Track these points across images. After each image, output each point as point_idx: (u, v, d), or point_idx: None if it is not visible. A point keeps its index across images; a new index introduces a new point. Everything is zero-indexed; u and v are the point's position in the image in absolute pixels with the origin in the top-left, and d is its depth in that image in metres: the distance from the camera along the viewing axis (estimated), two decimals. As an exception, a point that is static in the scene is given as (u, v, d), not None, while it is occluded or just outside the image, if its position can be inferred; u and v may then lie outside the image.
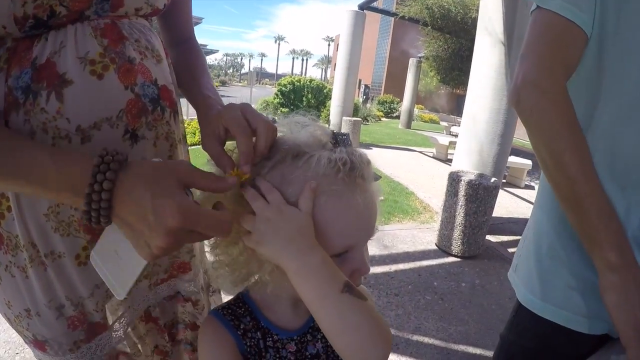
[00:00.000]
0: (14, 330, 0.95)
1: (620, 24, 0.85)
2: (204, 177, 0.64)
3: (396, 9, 14.43)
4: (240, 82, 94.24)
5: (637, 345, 0.79)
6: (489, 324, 2.95)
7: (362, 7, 10.25)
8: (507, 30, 4.02)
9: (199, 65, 1.09)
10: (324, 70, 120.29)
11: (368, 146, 10.62)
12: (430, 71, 17.78)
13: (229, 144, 0.74)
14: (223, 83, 68.33)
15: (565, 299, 0.96)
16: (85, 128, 0.80)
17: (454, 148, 5.18)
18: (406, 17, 13.35)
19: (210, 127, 0.71)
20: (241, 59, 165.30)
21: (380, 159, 8.59)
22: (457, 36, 13.66)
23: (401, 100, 20.62)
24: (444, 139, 10.52)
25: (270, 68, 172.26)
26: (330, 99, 12.57)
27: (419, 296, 3.25)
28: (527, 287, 1.05)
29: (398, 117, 21.00)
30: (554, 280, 0.99)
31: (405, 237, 4.49)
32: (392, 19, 18.88)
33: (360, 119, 10.39)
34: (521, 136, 17.91)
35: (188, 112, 3.31)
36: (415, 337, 2.71)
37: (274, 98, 16.15)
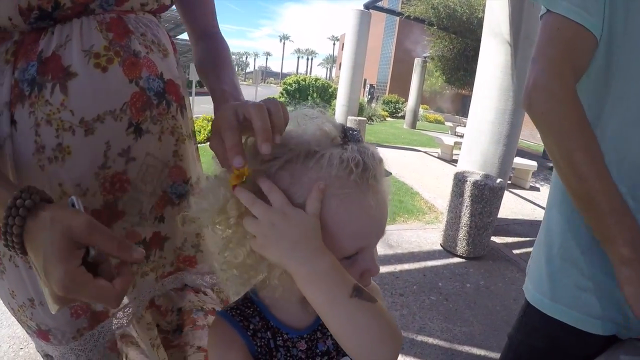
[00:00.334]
0: (17, 326, 0.95)
1: (627, 24, 0.86)
2: (105, 239, 0.60)
3: (402, 8, 14.36)
4: (245, 81, 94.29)
5: None
6: (494, 325, 2.95)
7: (367, 6, 10.23)
8: (513, 31, 4.00)
9: (221, 59, 1.06)
10: (329, 69, 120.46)
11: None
12: (436, 71, 17.74)
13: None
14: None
15: (575, 299, 0.97)
16: (89, 120, 0.81)
17: (459, 148, 5.17)
18: (411, 17, 13.33)
19: (214, 125, 0.71)
20: (246, 57, 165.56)
21: (385, 159, 8.56)
22: (463, 36, 13.61)
23: (406, 100, 20.61)
24: (449, 140, 10.50)
25: (275, 67, 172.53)
26: (335, 98, 12.58)
27: (424, 296, 3.25)
28: (537, 287, 1.06)
29: (403, 117, 20.97)
30: (563, 280, 0.99)
31: (410, 237, 4.49)
32: (398, 18, 18.86)
33: (365, 119, 10.39)
34: (526, 137, 17.86)
35: (192, 109, 3.31)
36: (420, 338, 2.71)
37: (279, 97, 16.17)
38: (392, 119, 21.96)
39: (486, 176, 4.02)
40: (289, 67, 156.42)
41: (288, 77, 17.89)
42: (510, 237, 4.96)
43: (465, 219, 3.97)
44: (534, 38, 4.05)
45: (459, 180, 4.03)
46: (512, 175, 7.85)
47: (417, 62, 17.87)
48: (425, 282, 3.50)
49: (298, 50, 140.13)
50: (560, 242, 1.00)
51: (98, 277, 0.59)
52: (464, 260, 4.05)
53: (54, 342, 0.94)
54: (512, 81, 4.09)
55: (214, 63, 1.04)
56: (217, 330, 0.73)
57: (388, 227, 4.72)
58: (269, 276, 0.65)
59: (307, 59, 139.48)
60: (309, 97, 15.44)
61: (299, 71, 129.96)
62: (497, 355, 2.57)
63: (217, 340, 0.72)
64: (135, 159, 0.89)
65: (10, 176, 0.80)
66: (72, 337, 0.94)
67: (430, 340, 2.70)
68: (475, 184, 3.88)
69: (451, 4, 12.90)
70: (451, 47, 14.66)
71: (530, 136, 18.28)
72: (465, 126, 4.91)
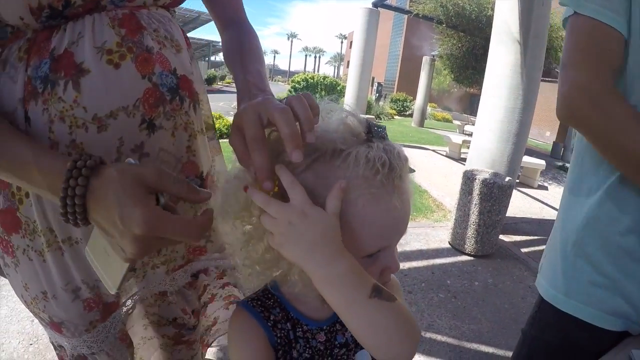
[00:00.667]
0: (27, 322, 0.96)
1: None
2: (175, 184, 0.62)
3: (410, 6, 14.30)
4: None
5: None
6: (502, 323, 2.95)
7: (375, 4, 10.21)
8: (522, 29, 3.99)
9: (247, 48, 1.05)
10: (336, 67, 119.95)
11: (381, 144, 10.49)
12: (444, 69, 17.66)
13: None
14: (236, 80, 68.17)
15: (589, 296, 0.97)
16: (102, 117, 0.80)
17: (468, 147, 5.15)
18: (420, 15, 13.27)
19: (234, 123, 0.69)
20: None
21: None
22: (472, 34, 13.53)
23: (414, 98, 20.52)
24: (457, 138, 10.46)
25: (283, 65, 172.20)
26: (343, 96, 12.55)
27: (432, 294, 3.26)
28: (551, 283, 1.06)
29: (411, 115, 20.86)
30: (577, 276, 0.99)
31: (419, 235, 4.49)
32: (406, 16, 18.77)
33: (373, 117, 10.36)
34: (535, 136, 17.75)
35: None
36: (428, 335, 2.71)
37: (288, 94, 16.15)
38: (400, 117, 21.87)
39: (495, 174, 4.01)
40: (297, 65, 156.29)
41: (296, 75, 17.87)
42: (519, 235, 4.95)
43: (473, 217, 3.97)
44: (543, 37, 4.05)
45: (468, 178, 4.03)
46: (520, 174, 7.82)
47: (426, 60, 17.78)
48: (433, 279, 3.51)
49: (306, 49, 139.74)
50: (575, 240, 1.01)
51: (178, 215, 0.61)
52: (472, 258, 4.05)
53: (66, 334, 0.95)
54: (522, 80, 4.07)
55: (239, 51, 1.03)
56: (238, 321, 0.73)
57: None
58: (289, 272, 0.65)
59: (315, 57, 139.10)
60: (317, 95, 15.38)
61: (307, 69, 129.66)
62: (506, 352, 2.59)
63: (238, 331, 0.73)
64: (149, 154, 0.89)
65: None
66: (84, 330, 0.95)
67: (439, 337, 2.71)
68: (484, 182, 3.88)
69: (460, 2, 12.83)
70: (460, 45, 14.59)
71: (539, 135, 18.17)
72: (473, 125, 4.90)
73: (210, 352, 2.32)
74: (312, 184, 0.60)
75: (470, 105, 30.01)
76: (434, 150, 10.80)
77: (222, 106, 14.70)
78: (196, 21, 27.50)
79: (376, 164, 0.58)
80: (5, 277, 0.96)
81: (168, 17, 0.97)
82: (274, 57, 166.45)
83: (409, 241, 4.25)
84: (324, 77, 17.64)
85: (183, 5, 1.06)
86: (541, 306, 1.09)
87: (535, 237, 4.93)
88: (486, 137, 4.38)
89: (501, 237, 4.44)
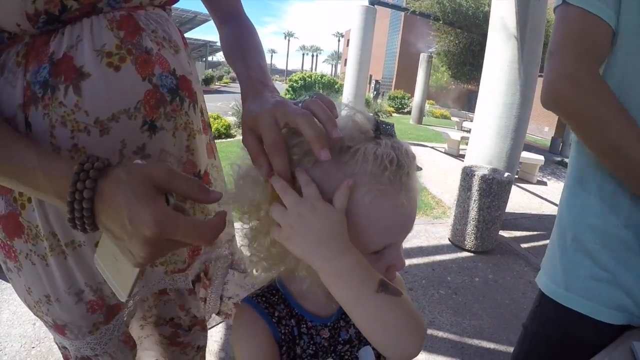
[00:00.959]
0: (29, 325, 0.96)
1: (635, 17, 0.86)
2: (185, 183, 0.61)
3: (407, 3, 14.30)
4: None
5: None
6: (503, 319, 2.96)
7: (372, 2, 10.19)
8: (519, 25, 3.99)
9: (247, 42, 1.05)
10: (334, 66, 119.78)
11: (379, 142, 10.51)
12: (442, 66, 17.65)
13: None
14: (234, 80, 68.29)
15: (589, 290, 0.97)
16: (104, 120, 0.80)
17: (466, 143, 5.15)
18: (417, 12, 13.26)
19: (246, 123, 0.69)
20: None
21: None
22: (469, 31, 13.52)
23: (412, 95, 20.53)
24: (455, 135, 10.46)
25: (280, 64, 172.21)
26: (341, 94, 12.55)
27: (433, 290, 3.26)
28: (551, 278, 1.06)
29: (409, 112, 20.87)
30: (577, 271, 1.00)
31: (419, 231, 4.50)
32: (403, 13, 18.76)
33: (371, 115, 10.30)
34: (533, 132, 17.76)
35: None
36: (430, 331, 2.72)
37: (285, 94, 16.15)
38: (398, 115, 21.87)
39: (494, 170, 4.01)
40: (294, 64, 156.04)
41: (294, 74, 17.87)
42: (518, 231, 4.96)
43: (473, 213, 3.98)
44: (541, 32, 4.05)
45: (467, 174, 4.03)
46: (519, 169, 7.82)
47: (423, 57, 17.77)
48: (434, 276, 3.51)
49: (303, 47, 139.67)
50: (574, 234, 1.01)
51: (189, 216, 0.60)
52: (472, 254, 4.06)
53: (70, 336, 0.95)
54: (519, 75, 4.07)
55: (239, 46, 1.03)
56: (243, 317, 0.74)
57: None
58: (296, 267, 0.65)
59: (312, 56, 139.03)
60: (315, 94, 15.38)
61: (304, 68, 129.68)
62: (507, 347, 2.59)
63: (243, 326, 0.73)
64: (150, 155, 0.89)
65: None
66: (88, 332, 0.95)
67: (440, 334, 2.71)
68: (483, 178, 3.89)
69: (456, -2, 12.83)
70: (457, 41, 14.57)
71: (537, 130, 18.19)
72: (471, 121, 4.90)
73: (212, 352, 2.32)
74: (320, 180, 0.61)
75: (468, 102, 30.01)
76: (432, 147, 10.81)
77: (220, 106, 14.69)
78: (193, 21, 27.48)
79: (384, 160, 0.58)
80: (7, 281, 0.97)
81: (165, 17, 0.96)
82: (271, 56, 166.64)
83: (409, 238, 4.18)
84: (322, 76, 17.65)
85: (180, 5, 1.07)
86: (542, 301, 1.10)
87: (535, 233, 4.94)
88: (484, 134, 4.38)
89: (501, 232, 4.45)
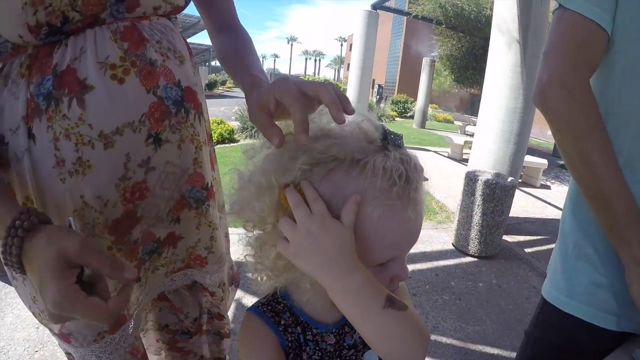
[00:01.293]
0: (32, 329, 0.97)
1: (633, 22, 0.86)
2: (97, 259, 0.62)
3: (409, 8, 14.31)
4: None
5: None
6: (507, 324, 2.94)
7: (375, 6, 10.21)
8: (522, 29, 3.99)
9: (245, 48, 1.06)
10: (337, 70, 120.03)
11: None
12: (444, 70, 17.67)
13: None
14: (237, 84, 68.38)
15: (590, 296, 0.97)
16: (108, 134, 0.80)
17: (469, 148, 5.15)
18: (419, 16, 13.28)
19: (260, 100, 0.70)
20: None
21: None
22: (471, 35, 13.54)
23: (415, 99, 20.52)
24: (459, 139, 10.45)
25: (283, 69, 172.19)
26: (344, 99, 12.53)
27: (437, 296, 3.25)
28: (553, 284, 1.06)
29: (412, 117, 20.86)
30: (579, 277, 1.00)
31: (422, 237, 4.45)
32: (405, 18, 18.79)
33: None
34: (536, 135, 17.73)
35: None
36: (433, 337, 2.71)
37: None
38: (401, 119, 21.86)
39: (497, 175, 4.01)
40: (297, 69, 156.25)
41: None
42: (522, 235, 4.94)
43: (476, 218, 3.97)
44: (543, 36, 4.05)
45: (470, 179, 4.03)
46: (522, 173, 7.80)
47: (426, 61, 17.79)
48: (437, 281, 3.50)
49: (306, 52, 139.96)
50: (575, 241, 1.01)
51: (92, 296, 0.61)
52: (476, 259, 4.04)
53: (75, 344, 0.95)
54: (522, 79, 4.07)
55: (240, 53, 1.04)
56: (249, 326, 0.74)
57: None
58: (301, 279, 0.66)
59: (315, 60, 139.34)
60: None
61: (307, 72, 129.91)
62: (511, 353, 2.58)
63: (250, 336, 0.73)
64: (154, 168, 0.89)
65: (30, 190, 0.81)
66: (92, 340, 0.95)
67: (444, 339, 2.70)
68: (487, 182, 3.88)
69: (459, 2, 12.84)
70: (459, 45, 14.60)
71: (540, 134, 18.16)
72: (474, 125, 4.90)
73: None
74: (329, 194, 0.61)
75: (471, 106, 30.03)
76: (435, 152, 10.80)
77: (224, 111, 14.72)
78: (196, 26, 27.59)
79: (393, 175, 0.58)
80: (11, 284, 0.97)
81: (170, 27, 0.96)
82: (274, 61, 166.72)
83: (413, 243, 4.22)
84: (325, 81, 17.66)
85: (183, 11, 1.07)
86: (544, 307, 1.10)
87: (539, 237, 4.92)
88: (488, 138, 4.38)
89: (504, 237, 4.43)
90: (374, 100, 23.21)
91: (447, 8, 12.89)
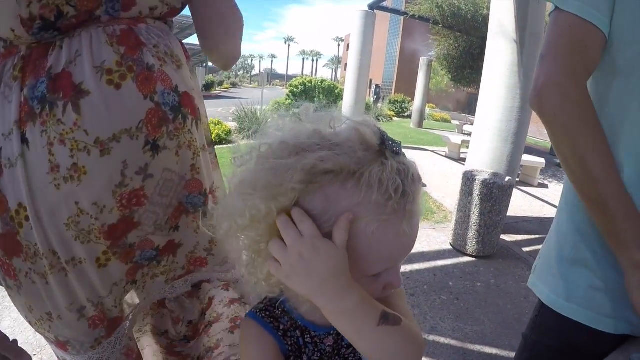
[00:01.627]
0: (31, 332, 0.98)
1: (634, 23, 0.86)
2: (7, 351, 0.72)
3: (406, 8, 14.31)
4: (251, 84, 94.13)
5: None
6: (505, 324, 2.94)
7: (371, 6, 10.19)
8: (519, 28, 3.99)
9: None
10: (334, 70, 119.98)
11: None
12: (442, 70, 17.65)
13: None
14: (234, 85, 68.39)
15: (589, 300, 0.97)
16: (104, 140, 0.79)
17: (467, 147, 5.14)
18: (416, 16, 13.26)
19: None
20: (251, 60, 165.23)
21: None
22: (468, 34, 13.51)
23: (412, 99, 20.52)
24: (456, 138, 10.45)
25: (280, 69, 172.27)
26: (341, 99, 12.54)
27: (435, 296, 3.25)
28: (551, 288, 1.05)
29: (409, 116, 20.84)
30: (577, 280, 0.99)
31: (420, 237, 4.47)
32: (402, 18, 18.78)
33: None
34: (534, 134, 17.75)
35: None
36: (432, 337, 2.70)
37: (286, 99, 16.15)
38: (398, 119, 21.86)
39: (495, 174, 4.01)
40: (295, 69, 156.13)
41: (294, 79, 17.86)
42: (520, 234, 4.94)
43: (474, 217, 3.97)
44: (540, 35, 4.05)
45: (468, 179, 4.03)
46: (520, 172, 7.80)
47: (423, 61, 17.78)
48: (435, 281, 3.50)
49: (303, 52, 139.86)
50: (573, 244, 1.00)
51: None
52: (474, 259, 4.04)
53: (72, 352, 0.95)
54: (519, 79, 4.07)
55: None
56: (249, 332, 0.74)
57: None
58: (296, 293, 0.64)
59: (313, 61, 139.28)
60: (316, 99, 15.42)
61: (305, 73, 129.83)
62: (509, 353, 2.58)
63: (250, 342, 0.73)
64: (152, 175, 0.88)
65: (24, 196, 0.80)
66: (90, 347, 0.94)
67: (442, 339, 2.70)
68: (484, 182, 3.88)
69: (455, 2, 12.82)
70: (456, 45, 14.56)
71: (538, 132, 18.17)
72: (472, 124, 4.89)
73: None
74: (322, 209, 0.59)
75: (469, 105, 30.03)
76: (433, 151, 10.81)
77: (221, 112, 14.71)
78: (193, 27, 27.53)
79: (389, 189, 0.56)
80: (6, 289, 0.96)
81: (166, 30, 0.95)
82: (272, 61, 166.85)
83: (410, 243, 4.21)
84: (322, 81, 17.65)
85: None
86: (541, 311, 1.09)
87: (537, 236, 4.93)
88: (485, 137, 4.37)
89: (502, 236, 4.44)
90: (372, 100, 23.18)
91: (444, 8, 12.86)
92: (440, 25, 13.30)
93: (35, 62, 0.78)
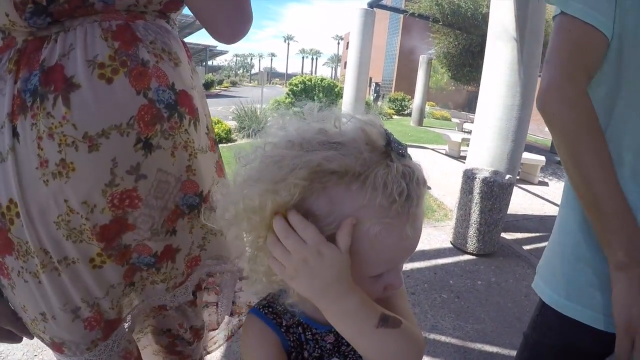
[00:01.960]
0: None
1: (638, 24, 0.86)
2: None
3: (405, 5, 14.29)
4: (250, 83, 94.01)
5: (622, 339, 0.85)
6: (506, 322, 2.94)
7: (371, 5, 10.17)
8: (519, 26, 3.98)
9: None
10: (334, 68, 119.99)
11: (380, 144, 10.52)
12: (441, 68, 17.62)
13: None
14: (234, 84, 68.28)
15: (590, 298, 0.97)
16: (93, 135, 0.77)
17: (467, 145, 5.14)
18: (416, 14, 13.24)
19: None
20: (251, 59, 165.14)
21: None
22: (468, 32, 13.48)
23: (412, 97, 20.50)
24: (456, 136, 10.44)
25: (280, 68, 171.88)
26: (341, 97, 12.52)
27: (435, 294, 3.25)
28: (552, 287, 1.06)
29: (409, 114, 20.84)
30: (578, 279, 0.99)
31: (421, 235, 4.46)
32: (401, 16, 18.76)
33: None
34: (534, 132, 17.74)
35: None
36: (432, 336, 2.71)
37: (285, 98, 16.12)
38: (398, 117, 21.84)
39: (495, 172, 4.00)
40: (294, 68, 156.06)
41: (294, 78, 17.81)
42: (520, 233, 4.94)
43: (474, 216, 3.96)
44: (540, 33, 4.04)
45: (468, 177, 4.02)
46: (520, 170, 7.80)
47: (423, 59, 17.76)
48: (436, 280, 3.50)
49: (302, 51, 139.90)
50: (575, 242, 1.00)
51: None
52: (474, 257, 4.04)
53: (67, 353, 0.93)
54: (519, 77, 4.06)
55: None
56: (252, 328, 0.75)
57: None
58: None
59: (312, 59, 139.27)
60: (315, 97, 15.38)
61: (304, 71, 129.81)
62: (510, 351, 2.58)
63: (253, 338, 0.74)
64: (146, 176, 0.86)
65: (14, 191, 0.78)
66: (86, 349, 0.93)
67: (443, 338, 2.70)
68: (484, 180, 3.87)
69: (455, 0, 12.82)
70: (456, 43, 14.54)
71: (538, 130, 18.17)
72: (471, 122, 4.88)
73: (215, 358, 2.31)
74: (326, 211, 0.59)
75: (469, 103, 30.01)
76: (433, 149, 10.80)
77: (221, 110, 14.69)
78: (192, 26, 27.53)
79: (393, 193, 0.57)
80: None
81: (166, 28, 0.93)
82: (271, 60, 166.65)
83: (411, 242, 4.21)
84: (322, 79, 17.59)
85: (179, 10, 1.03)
86: (542, 310, 1.09)
87: (537, 234, 4.93)
88: (485, 135, 4.36)
89: (503, 235, 4.44)
90: (371, 98, 23.16)
91: (443, 5, 12.84)
92: (440, 23, 13.28)
93: (30, 55, 0.77)
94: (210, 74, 47.55)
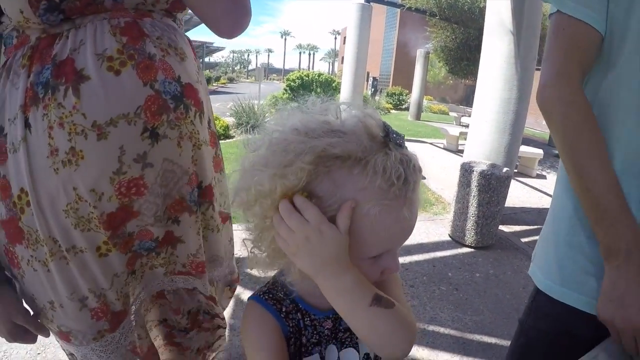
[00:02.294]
0: None
1: (629, 20, 0.87)
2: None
3: (402, 0, 14.26)
4: (247, 79, 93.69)
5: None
6: (504, 314, 2.97)
7: (368, -1, 10.17)
8: (516, 20, 3.99)
9: None
10: (331, 63, 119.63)
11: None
12: (439, 62, 17.60)
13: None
14: (231, 80, 68.05)
15: (582, 284, 0.98)
16: (102, 124, 0.81)
17: (465, 139, 5.15)
18: (412, 8, 13.21)
19: None
20: (248, 55, 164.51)
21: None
22: (465, 26, 13.48)
23: (410, 91, 20.48)
24: (454, 130, 10.45)
25: (277, 63, 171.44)
26: (339, 92, 12.51)
27: (434, 287, 3.27)
28: (545, 273, 1.08)
29: (407, 108, 20.82)
30: (571, 265, 1.01)
31: (419, 228, 4.49)
32: (398, 10, 18.71)
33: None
34: (532, 125, 17.75)
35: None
36: (431, 328, 2.73)
37: (283, 93, 16.10)
38: (396, 111, 21.83)
39: (493, 165, 4.02)
40: (291, 63, 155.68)
41: (291, 73, 17.79)
42: (518, 225, 4.96)
43: (472, 208, 3.98)
44: (537, 27, 4.05)
45: (466, 170, 4.04)
46: (518, 163, 7.81)
47: (420, 53, 17.74)
48: (434, 272, 3.52)
49: (300, 46, 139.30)
50: (568, 228, 1.02)
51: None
52: (472, 250, 4.06)
53: (74, 342, 0.96)
54: (516, 70, 4.08)
55: None
56: (252, 314, 0.77)
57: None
58: (291, 265, 0.69)
59: (309, 54, 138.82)
60: (313, 93, 15.30)
61: (302, 67, 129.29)
62: (508, 342, 2.57)
63: (253, 324, 0.76)
64: (152, 165, 0.89)
65: (25, 180, 0.81)
66: (92, 338, 0.96)
67: (442, 330, 2.72)
68: (482, 173, 3.89)
69: (452, -7, 12.79)
70: (453, 37, 14.53)
71: (536, 124, 18.18)
72: (469, 116, 4.90)
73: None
74: (329, 192, 0.63)
75: (467, 97, 29.98)
76: (431, 143, 10.81)
77: (218, 107, 14.63)
78: (189, 23, 27.44)
79: (392, 176, 0.60)
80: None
81: (172, 26, 0.96)
82: (268, 55, 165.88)
83: (409, 235, 4.23)
84: (319, 74, 17.58)
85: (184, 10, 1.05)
86: (536, 296, 1.11)
87: (535, 227, 4.94)
88: (483, 129, 4.38)
89: (501, 227, 4.46)
90: (369, 93, 23.15)
91: (440, -1, 12.84)
92: (437, 17, 13.26)
93: (42, 50, 0.81)
94: (208, 70, 47.43)
